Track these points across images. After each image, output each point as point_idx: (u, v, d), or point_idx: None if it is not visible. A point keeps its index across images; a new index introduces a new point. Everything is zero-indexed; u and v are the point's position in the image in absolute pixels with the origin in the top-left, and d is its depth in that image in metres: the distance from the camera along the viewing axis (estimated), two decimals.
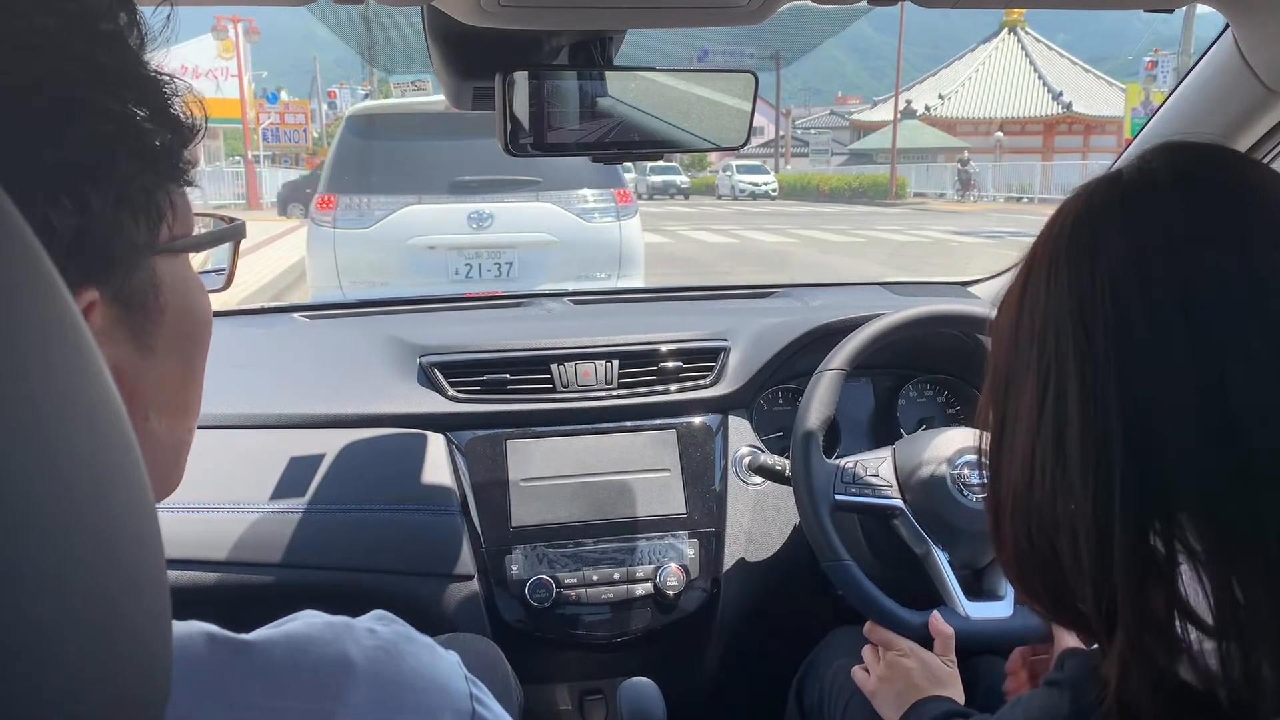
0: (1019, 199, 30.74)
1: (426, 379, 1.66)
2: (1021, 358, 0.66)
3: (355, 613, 0.55)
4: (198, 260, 0.58)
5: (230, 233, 0.59)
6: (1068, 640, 1.13)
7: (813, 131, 56.64)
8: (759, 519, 1.63)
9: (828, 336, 1.65)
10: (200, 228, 0.55)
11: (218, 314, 2.20)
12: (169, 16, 0.51)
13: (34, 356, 0.27)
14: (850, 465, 1.40)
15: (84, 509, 0.28)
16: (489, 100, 1.20)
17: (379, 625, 0.54)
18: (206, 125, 0.53)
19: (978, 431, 1.47)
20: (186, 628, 0.47)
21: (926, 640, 1.28)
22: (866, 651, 1.34)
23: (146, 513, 0.32)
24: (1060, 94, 40.30)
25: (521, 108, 1.16)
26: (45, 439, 0.26)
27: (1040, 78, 42.07)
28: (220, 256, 0.66)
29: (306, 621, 0.52)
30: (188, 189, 0.52)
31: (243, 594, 1.42)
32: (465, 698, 0.54)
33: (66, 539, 0.27)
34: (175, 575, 1.36)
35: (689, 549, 1.58)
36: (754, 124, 1.32)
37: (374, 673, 0.50)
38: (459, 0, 1.04)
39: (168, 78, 0.49)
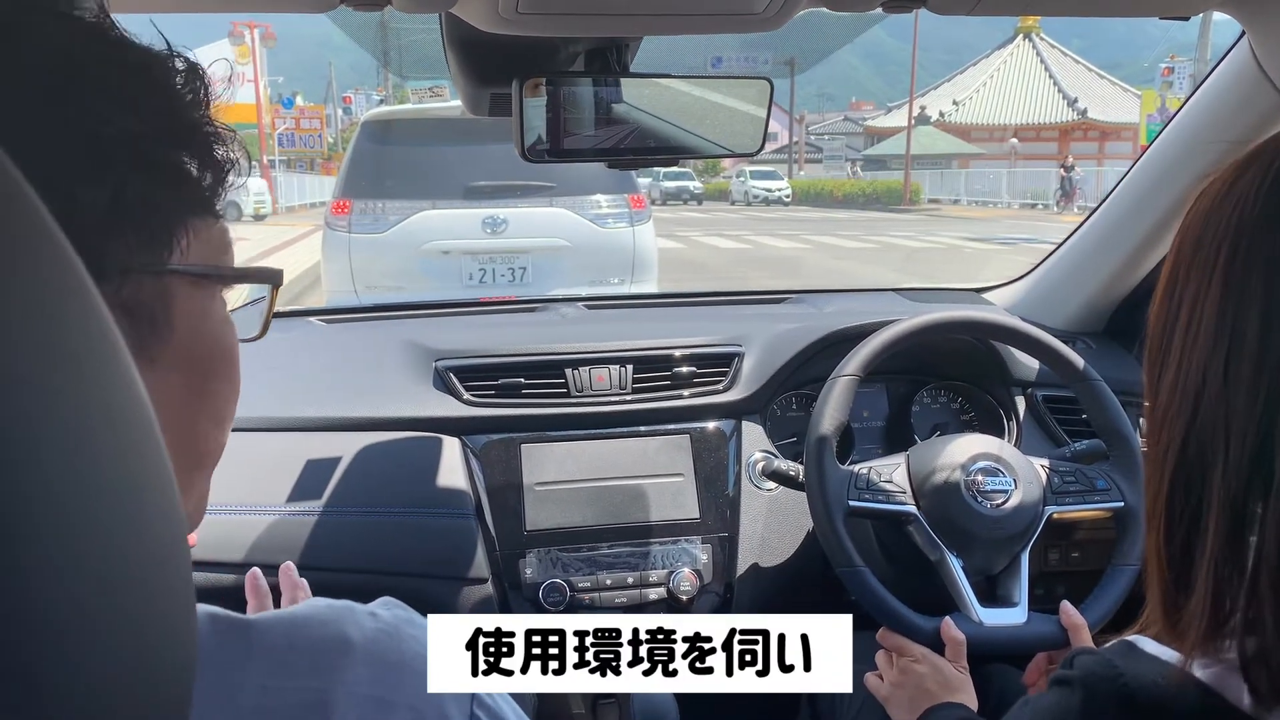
0: (1034, 205, 30.64)
1: (442, 383, 1.67)
2: (1202, 259, 0.64)
3: None
4: (238, 298, 0.59)
5: (259, 275, 0.60)
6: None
7: (826, 137, 56.58)
8: (772, 524, 1.63)
9: (841, 342, 1.65)
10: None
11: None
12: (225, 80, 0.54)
13: (73, 363, 0.27)
14: (864, 471, 1.40)
15: (117, 508, 0.28)
16: (506, 107, 1.20)
17: (382, 610, 0.55)
18: (250, 169, 0.56)
19: (990, 438, 1.48)
20: None
21: (940, 646, 1.28)
22: (880, 657, 1.34)
23: (174, 512, 0.32)
24: (1075, 100, 40.15)
25: (538, 114, 1.17)
26: (82, 441, 0.27)
27: (1055, 84, 41.93)
28: (259, 303, 0.67)
29: (309, 604, 0.53)
30: (221, 222, 0.54)
31: None
32: None
33: (101, 535, 0.27)
34: (193, 576, 1.37)
35: (702, 554, 1.58)
36: (768, 130, 1.33)
37: (373, 653, 0.51)
38: (477, 8, 1.05)
39: (218, 125, 0.52)
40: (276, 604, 1.08)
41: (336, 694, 0.48)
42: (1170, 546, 0.65)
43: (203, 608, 0.48)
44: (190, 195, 0.51)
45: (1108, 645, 0.68)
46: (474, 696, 0.54)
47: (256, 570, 1.09)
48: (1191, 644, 0.61)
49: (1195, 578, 0.61)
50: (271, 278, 0.61)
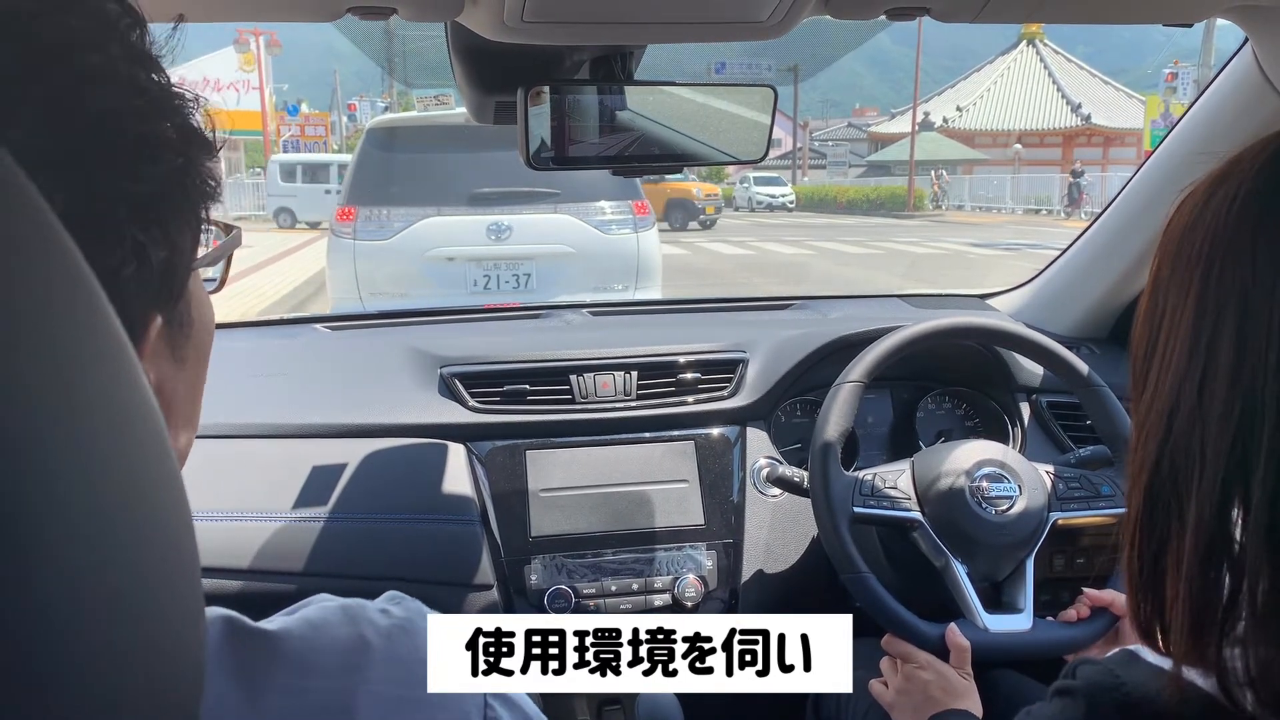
0: (1038, 211, 30.59)
1: (447, 389, 1.68)
2: (1179, 278, 0.64)
3: None
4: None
5: (230, 244, 0.60)
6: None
7: (830, 143, 56.54)
8: (777, 531, 1.63)
9: (846, 348, 1.65)
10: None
11: (240, 325, 2.22)
12: (176, 28, 0.51)
13: (85, 374, 0.28)
14: (869, 477, 1.40)
15: (128, 512, 0.29)
16: (511, 114, 1.21)
17: (392, 606, 0.55)
18: (227, 138, 0.54)
19: (995, 444, 1.47)
20: (207, 613, 0.48)
21: (945, 653, 1.28)
22: (884, 664, 1.34)
23: (183, 517, 0.33)
24: (1079, 106, 40.12)
25: (543, 122, 1.18)
26: (95, 449, 0.28)
27: (1059, 89, 41.90)
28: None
29: (320, 606, 0.53)
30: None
31: (265, 602, 1.42)
32: None
33: (112, 539, 0.28)
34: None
35: (707, 560, 1.58)
36: (772, 136, 1.33)
37: (390, 651, 0.51)
38: (483, 17, 1.05)
39: (187, 93, 0.49)
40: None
41: (359, 694, 0.49)
42: (1142, 566, 0.64)
43: (219, 612, 0.49)
44: (207, 187, 0.50)
45: (1109, 655, 0.68)
46: None
47: None
48: (1178, 658, 0.60)
49: (1167, 597, 0.61)
50: (236, 241, 0.61)
